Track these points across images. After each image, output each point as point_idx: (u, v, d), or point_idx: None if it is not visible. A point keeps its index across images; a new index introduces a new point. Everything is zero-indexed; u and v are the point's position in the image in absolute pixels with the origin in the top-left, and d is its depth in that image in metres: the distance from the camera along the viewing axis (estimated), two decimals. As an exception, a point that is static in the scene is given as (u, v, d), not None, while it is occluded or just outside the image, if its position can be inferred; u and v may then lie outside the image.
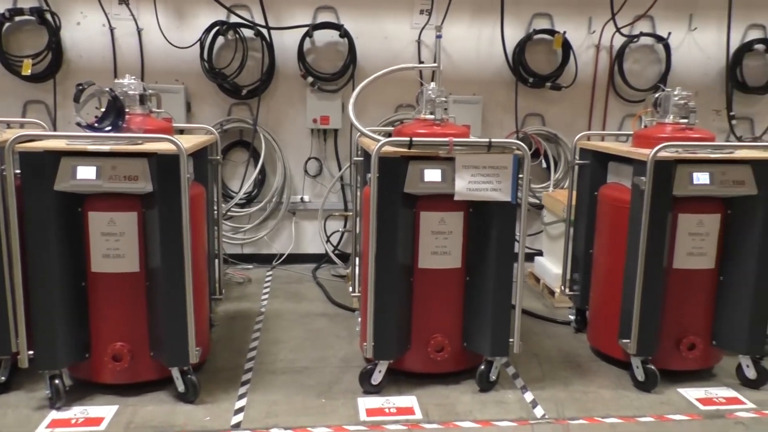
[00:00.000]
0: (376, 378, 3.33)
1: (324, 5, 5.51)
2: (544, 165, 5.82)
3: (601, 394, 3.41)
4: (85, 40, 5.36)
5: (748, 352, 3.46)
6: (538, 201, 5.61)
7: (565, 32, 5.60)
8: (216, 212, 4.19)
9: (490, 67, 5.74)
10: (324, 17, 5.52)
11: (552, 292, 4.89)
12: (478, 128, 5.65)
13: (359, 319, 3.78)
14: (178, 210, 2.95)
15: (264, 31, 5.40)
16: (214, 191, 4.10)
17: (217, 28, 5.31)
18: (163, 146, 2.95)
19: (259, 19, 5.38)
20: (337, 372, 3.62)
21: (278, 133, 5.67)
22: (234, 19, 5.37)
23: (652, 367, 3.41)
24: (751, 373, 3.49)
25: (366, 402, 3.26)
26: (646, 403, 3.32)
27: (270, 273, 5.63)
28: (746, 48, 5.83)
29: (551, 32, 5.63)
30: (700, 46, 5.87)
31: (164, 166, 2.94)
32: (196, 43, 5.35)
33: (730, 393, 3.44)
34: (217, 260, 4.20)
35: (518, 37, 5.66)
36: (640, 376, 3.43)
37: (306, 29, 5.42)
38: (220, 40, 5.40)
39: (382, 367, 3.32)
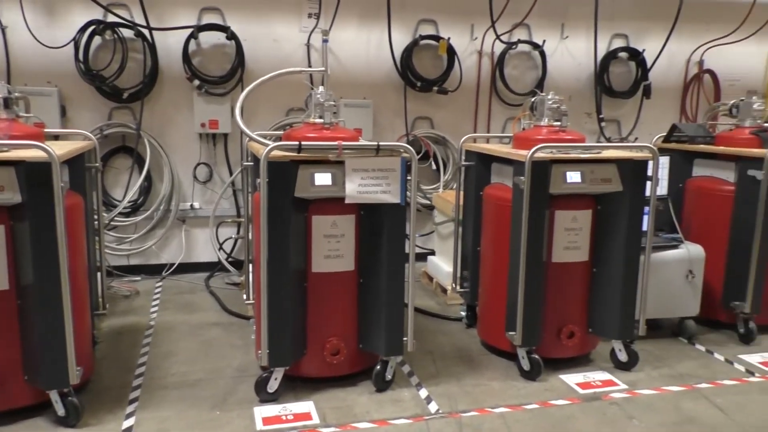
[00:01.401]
0: (273, 386, 3.29)
1: (209, 6, 5.37)
2: (434, 167, 6.00)
3: (491, 386, 3.57)
4: (-61, 38, 4.91)
5: (620, 337, 3.75)
6: (429, 202, 5.77)
7: (449, 38, 5.80)
8: (97, 222, 3.96)
9: (380, 71, 5.84)
10: (209, 18, 5.37)
11: (444, 290, 5.05)
12: (370, 131, 5.73)
13: (254, 327, 3.72)
14: (52, 221, 2.77)
15: (145, 31, 5.17)
16: (94, 200, 3.88)
17: (92, 27, 5.03)
18: (32, 153, 2.77)
19: (139, 19, 5.14)
20: (232, 382, 3.53)
21: (164, 138, 5.45)
22: (112, 18, 5.10)
23: (537, 357, 3.62)
24: (623, 356, 3.78)
25: (262, 411, 3.21)
26: (532, 391, 3.52)
27: (160, 284, 5.39)
28: (612, 56, 6.31)
29: (436, 38, 5.81)
30: (571, 54, 6.29)
31: (34, 174, 2.75)
32: (69, 42, 5.03)
33: (606, 376, 3.71)
34: (99, 273, 3.98)
35: (405, 42, 5.80)
36: (526, 365, 3.63)
37: (191, 30, 5.26)
38: (97, 40, 5.12)
39: (278, 374, 3.29)
